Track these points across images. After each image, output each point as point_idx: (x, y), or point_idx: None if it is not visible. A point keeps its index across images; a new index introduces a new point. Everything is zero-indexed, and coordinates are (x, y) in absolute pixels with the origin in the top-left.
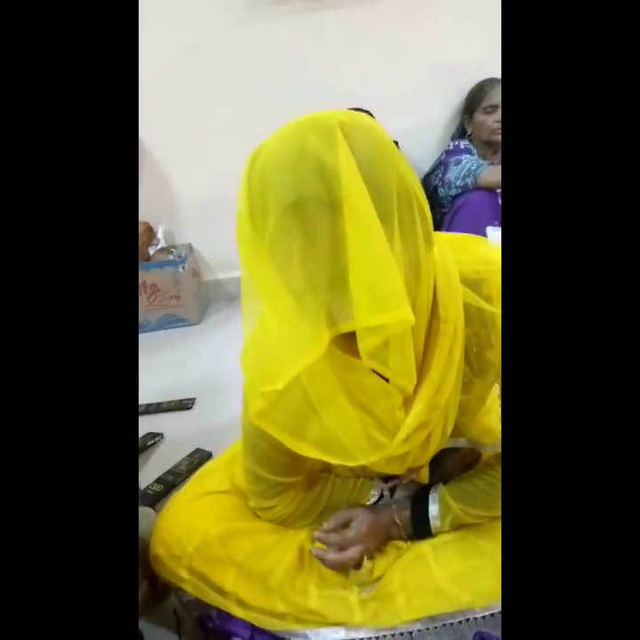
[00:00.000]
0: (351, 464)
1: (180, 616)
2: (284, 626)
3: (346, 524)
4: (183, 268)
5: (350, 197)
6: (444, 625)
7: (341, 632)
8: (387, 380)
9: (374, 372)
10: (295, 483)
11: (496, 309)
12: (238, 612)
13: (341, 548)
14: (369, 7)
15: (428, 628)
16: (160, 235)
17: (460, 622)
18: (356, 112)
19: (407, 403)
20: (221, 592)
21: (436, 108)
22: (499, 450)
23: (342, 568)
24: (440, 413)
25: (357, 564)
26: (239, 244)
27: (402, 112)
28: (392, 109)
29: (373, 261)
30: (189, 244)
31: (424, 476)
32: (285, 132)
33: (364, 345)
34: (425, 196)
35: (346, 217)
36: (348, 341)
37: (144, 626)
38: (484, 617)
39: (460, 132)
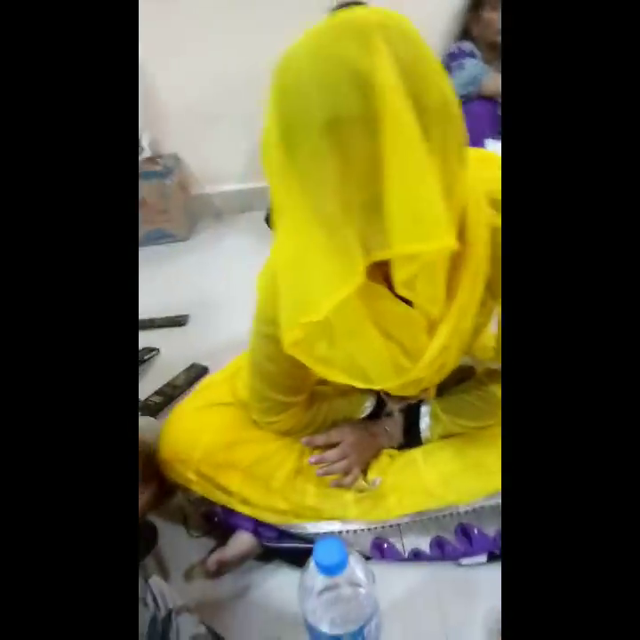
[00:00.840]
0: (376, 387)
1: (188, 512)
2: (284, 520)
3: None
4: (171, 180)
5: (391, 112)
6: (430, 518)
7: (336, 525)
8: (410, 304)
9: (399, 297)
10: (298, 401)
11: None
12: (243, 509)
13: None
14: None
15: (414, 521)
16: (145, 143)
17: (443, 516)
18: (395, 13)
19: (432, 327)
20: (227, 492)
21: (437, 2)
22: (490, 366)
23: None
24: (459, 336)
25: (354, 476)
26: (267, 171)
27: (397, 4)
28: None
29: (415, 185)
30: (176, 154)
31: (432, 395)
32: (315, 37)
33: (399, 273)
34: (461, 111)
35: (386, 135)
36: (373, 268)
37: (155, 520)
38: (466, 512)
39: (464, 33)
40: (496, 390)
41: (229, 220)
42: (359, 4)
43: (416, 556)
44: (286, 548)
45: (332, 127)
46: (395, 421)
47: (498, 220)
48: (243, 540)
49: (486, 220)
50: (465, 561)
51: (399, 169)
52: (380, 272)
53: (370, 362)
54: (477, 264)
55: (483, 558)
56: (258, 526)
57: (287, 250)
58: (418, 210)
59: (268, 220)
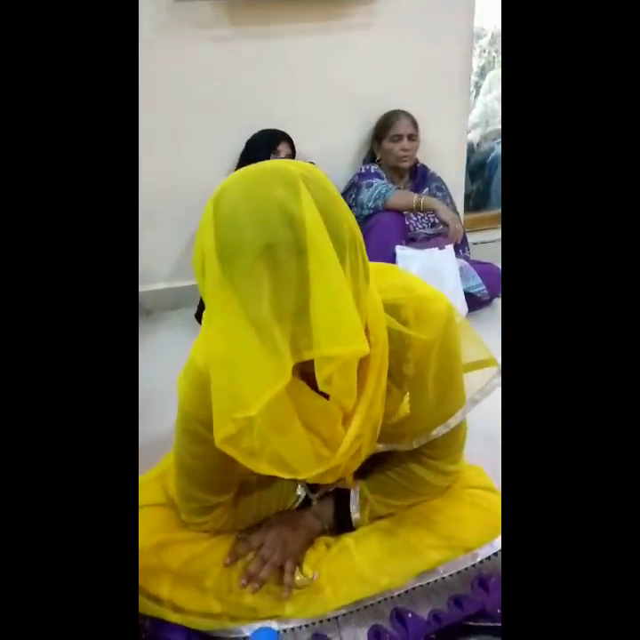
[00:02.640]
0: (300, 477)
1: None
2: (219, 625)
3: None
4: None
5: (315, 243)
6: (366, 606)
7: (273, 624)
8: (327, 397)
9: (316, 391)
10: (225, 501)
11: (412, 331)
12: (174, 618)
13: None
14: (287, 37)
15: (351, 612)
16: None
17: (379, 602)
18: (311, 165)
19: (346, 418)
20: (157, 600)
21: (349, 133)
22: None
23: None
24: (371, 424)
25: (289, 571)
26: (200, 280)
27: (317, 135)
28: (308, 132)
29: (335, 299)
30: None
31: (350, 481)
32: (248, 179)
33: (321, 372)
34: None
35: (311, 260)
36: (296, 367)
37: None
38: (399, 595)
39: (371, 157)
40: (416, 469)
41: (159, 316)
42: (280, 133)
43: None
44: None
45: (269, 251)
46: (326, 506)
47: (392, 323)
48: None
49: (384, 323)
50: None
51: (322, 286)
52: (298, 370)
53: (294, 453)
54: (380, 360)
55: None
56: (191, 636)
57: (219, 348)
58: (338, 319)
59: (198, 316)
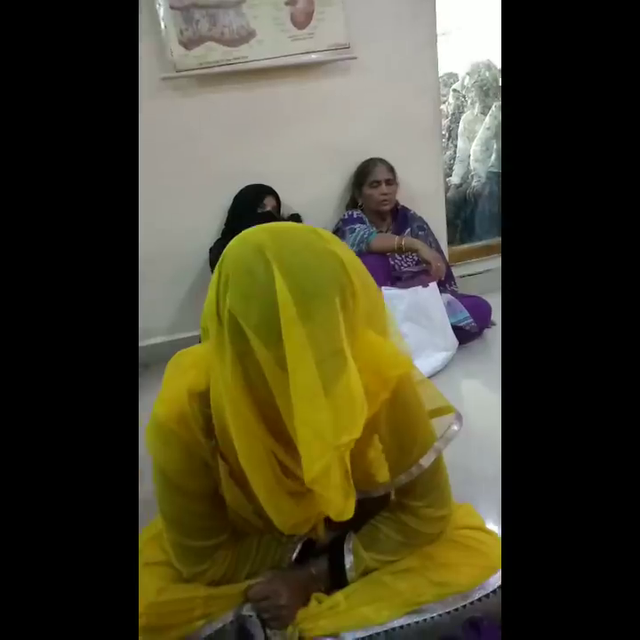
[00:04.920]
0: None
1: None
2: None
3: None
4: None
5: (357, 292)
6: None
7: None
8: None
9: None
10: (221, 543)
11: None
12: None
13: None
14: (263, 91)
15: None
16: None
17: (363, 639)
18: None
19: None
20: None
21: (330, 181)
22: (376, 495)
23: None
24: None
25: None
26: (218, 328)
27: (300, 186)
28: (291, 184)
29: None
30: None
31: (320, 531)
32: (290, 233)
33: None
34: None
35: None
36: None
37: None
38: (386, 631)
39: (353, 202)
40: (407, 519)
41: (157, 370)
42: (265, 187)
43: None
44: None
45: (340, 293)
46: (321, 564)
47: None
48: None
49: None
50: None
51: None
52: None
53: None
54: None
55: None
56: None
57: (303, 382)
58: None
59: None
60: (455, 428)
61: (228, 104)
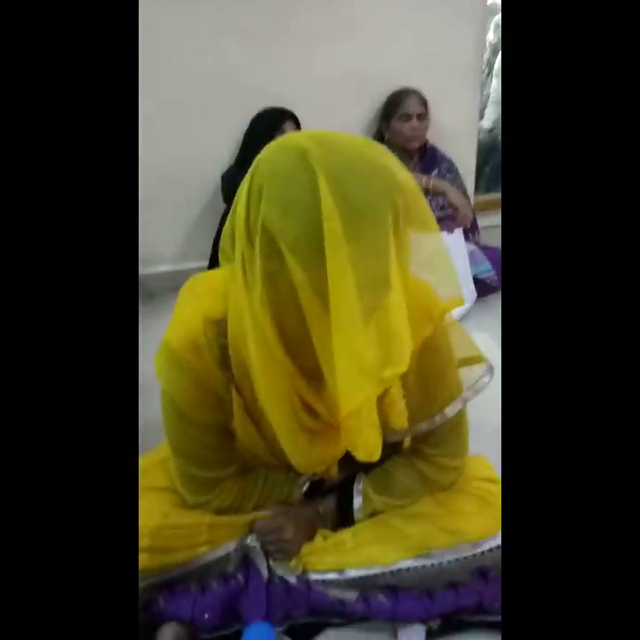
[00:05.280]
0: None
1: None
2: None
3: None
4: None
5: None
6: (353, 578)
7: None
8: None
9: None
10: (228, 475)
11: None
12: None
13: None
14: (293, 6)
15: (337, 580)
16: None
17: (367, 576)
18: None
19: None
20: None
21: (356, 112)
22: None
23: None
24: None
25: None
26: (245, 247)
27: (323, 115)
28: (314, 112)
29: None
30: None
31: (333, 471)
32: (341, 140)
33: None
34: None
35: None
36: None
37: None
38: (392, 572)
39: (379, 137)
40: (420, 465)
41: (162, 299)
42: (285, 111)
43: (341, 603)
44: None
45: (393, 213)
46: (328, 503)
47: None
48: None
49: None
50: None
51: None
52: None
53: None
54: None
55: (421, 634)
56: (195, 611)
57: (347, 309)
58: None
59: None
60: (486, 379)
61: (250, 9)
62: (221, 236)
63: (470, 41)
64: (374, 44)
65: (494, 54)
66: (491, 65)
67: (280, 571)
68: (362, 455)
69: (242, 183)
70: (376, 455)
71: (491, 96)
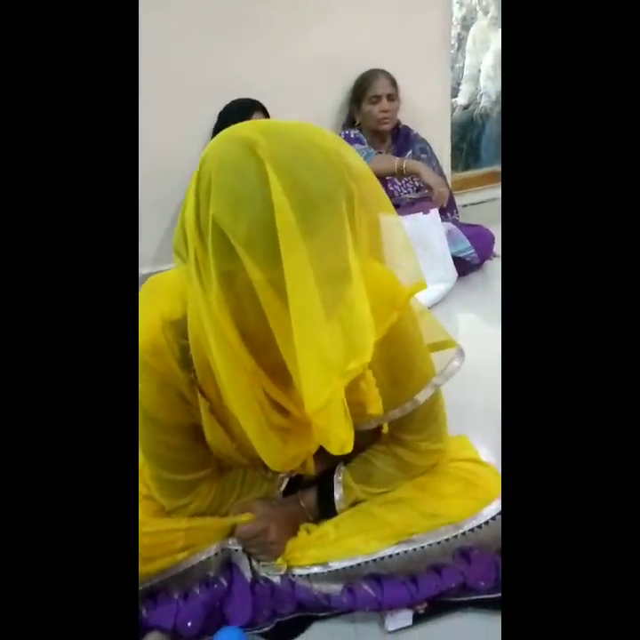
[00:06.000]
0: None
1: None
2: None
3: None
4: None
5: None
6: (337, 570)
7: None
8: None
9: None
10: (203, 477)
11: None
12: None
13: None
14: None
15: (322, 572)
16: None
17: (351, 566)
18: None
19: None
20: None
21: (326, 98)
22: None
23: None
24: None
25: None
26: (198, 246)
27: (293, 102)
28: (284, 100)
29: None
30: None
31: (310, 467)
32: (285, 128)
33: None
34: None
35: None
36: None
37: None
38: (375, 560)
39: (350, 121)
40: (400, 452)
41: None
42: (253, 101)
43: (327, 597)
44: None
45: (348, 202)
46: (309, 496)
47: None
48: None
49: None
50: (390, 626)
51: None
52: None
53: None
54: None
55: (408, 619)
56: (178, 619)
57: (303, 304)
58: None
59: None
60: (456, 363)
61: (218, 6)
62: (174, 237)
63: (437, 17)
64: (343, 28)
65: (464, 29)
66: (460, 40)
67: (264, 571)
68: (334, 449)
69: (190, 180)
70: (348, 448)
71: (465, 72)
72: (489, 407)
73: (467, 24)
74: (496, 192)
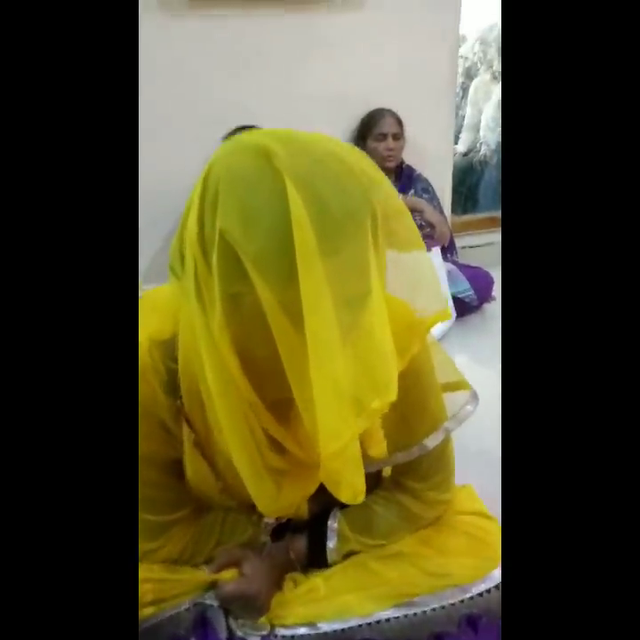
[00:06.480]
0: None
1: None
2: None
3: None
4: None
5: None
6: (326, 633)
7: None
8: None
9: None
10: (179, 519)
11: None
12: None
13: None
14: (269, 27)
15: (309, 634)
16: None
17: (342, 630)
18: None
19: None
20: None
21: (331, 134)
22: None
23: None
24: None
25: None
26: (196, 263)
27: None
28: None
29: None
30: None
31: (303, 511)
32: (303, 138)
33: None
34: None
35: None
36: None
37: None
38: (370, 624)
39: None
40: (403, 499)
41: None
42: (252, 128)
43: None
44: None
45: (372, 221)
46: (299, 544)
47: None
48: None
49: None
50: None
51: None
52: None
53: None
54: None
55: None
56: None
57: (323, 335)
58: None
59: None
60: (470, 407)
61: (224, 31)
62: (171, 249)
63: (444, 62)
64: (350, 66)
65: (468, 79)
66: (465, 89)
67: (242, 631)
68: (346, 497)
69: (192, 191)
70: (361, 497)
71: (466, 121)
72: (487, 452)
73: (471, 75)
74: (493, 236)
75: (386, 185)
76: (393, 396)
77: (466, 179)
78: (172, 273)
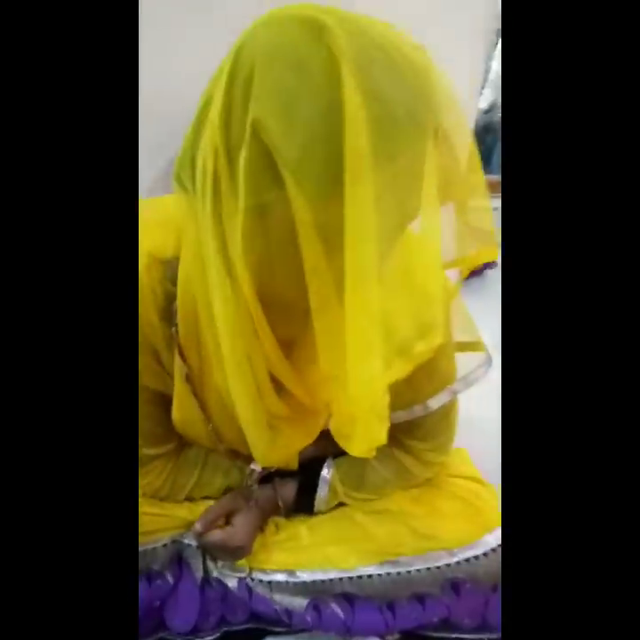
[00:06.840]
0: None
1: None
2: None
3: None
4: None
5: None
6: (304, 582)
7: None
8: None
9: None
10: (163, 453)
11: None
12: None
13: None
14: None
15: (286, 582)
16: None
17: (322, 581)
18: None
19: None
20: None
21: None
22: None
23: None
24: None
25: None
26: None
27: None
28: None
29: None
30: None
31: (294, 462)
32: (363, 22)
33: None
34: None
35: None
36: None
37: None
38: (351, 578)
39: None
40: (399, 455)
41: None
42: None
43: (287, 614)
44: None
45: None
46: (288, 490)
47: None
48: None
49: None
50: None
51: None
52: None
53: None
54: None
55: None
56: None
57: (370, 256)
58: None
59: None
60: (481, 371)
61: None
62: (176, 161)
63: (481, 5)
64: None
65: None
66: (495, 45)
67: (218, 571)
68: (359, 449)
69: (215, 72)
70: (372, 452)
71: (490, 76)
72: (483, 419)
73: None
74: (497, 202)
75: (450, 92)
76: (439, 338)
77: (483, 137)
78: (177, 183)
